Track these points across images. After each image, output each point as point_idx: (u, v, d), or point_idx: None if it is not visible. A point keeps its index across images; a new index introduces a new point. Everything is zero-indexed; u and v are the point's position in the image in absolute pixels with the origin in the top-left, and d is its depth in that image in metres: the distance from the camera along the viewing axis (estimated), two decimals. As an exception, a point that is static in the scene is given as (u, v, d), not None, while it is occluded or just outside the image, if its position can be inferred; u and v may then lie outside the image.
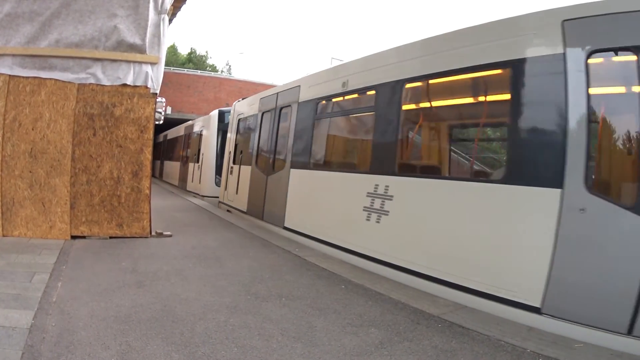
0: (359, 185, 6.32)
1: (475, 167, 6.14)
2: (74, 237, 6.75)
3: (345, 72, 7.33)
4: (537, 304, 4.06)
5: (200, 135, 17.05)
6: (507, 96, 4.68)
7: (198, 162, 16.49)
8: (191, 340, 3.40)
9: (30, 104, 6.65)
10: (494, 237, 4.54)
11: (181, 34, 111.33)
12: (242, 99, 12.61)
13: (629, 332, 3.67)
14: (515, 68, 4.53)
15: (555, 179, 4.03)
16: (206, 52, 78.75)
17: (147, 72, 7.19)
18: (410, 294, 4.84)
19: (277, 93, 9.77)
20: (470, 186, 5.04)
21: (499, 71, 4.84)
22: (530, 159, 4.36)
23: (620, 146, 4.08)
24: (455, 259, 4.84)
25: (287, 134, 8.75)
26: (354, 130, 7.72)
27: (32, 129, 6.66)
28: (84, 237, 6.84)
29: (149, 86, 7.22)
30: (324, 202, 7.29)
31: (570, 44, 4.09)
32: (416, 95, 6.05)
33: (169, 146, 24.89)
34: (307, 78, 8.75)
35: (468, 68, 5.08)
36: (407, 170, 6.07)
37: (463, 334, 3.78)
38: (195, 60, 56.41)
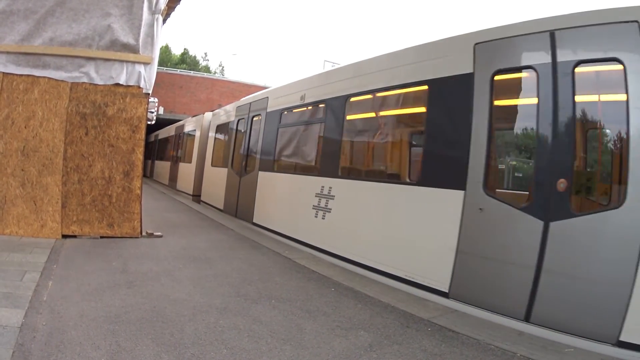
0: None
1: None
2: (65, 236, 6.73)
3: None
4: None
5: None
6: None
7: None
8: (181, 341, 3.41)
9: (23, 102, 6.63)
10: None
11: (175, 34, 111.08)
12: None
13: (527, 318, 4.02)
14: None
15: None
16: (205, 53, 78.28)
17: (139, 72, 7.19)
18: (399, 298, 4.90)
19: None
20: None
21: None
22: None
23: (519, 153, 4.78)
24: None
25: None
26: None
27: (25, 127, 6.64)
28: (74, 236, 6.81)
29: (141, 86, 7.22)
30: None
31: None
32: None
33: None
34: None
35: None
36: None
37: (452, 338, 3.84)
38: (188, 61, 56.31)
